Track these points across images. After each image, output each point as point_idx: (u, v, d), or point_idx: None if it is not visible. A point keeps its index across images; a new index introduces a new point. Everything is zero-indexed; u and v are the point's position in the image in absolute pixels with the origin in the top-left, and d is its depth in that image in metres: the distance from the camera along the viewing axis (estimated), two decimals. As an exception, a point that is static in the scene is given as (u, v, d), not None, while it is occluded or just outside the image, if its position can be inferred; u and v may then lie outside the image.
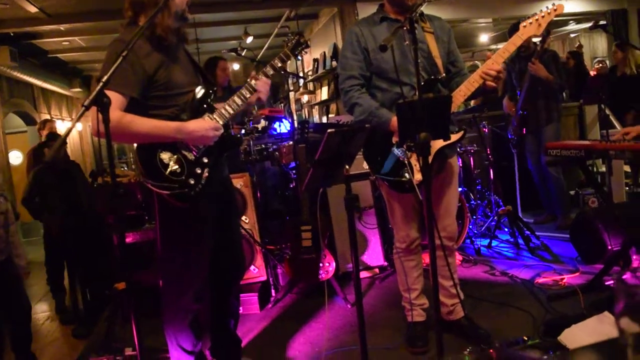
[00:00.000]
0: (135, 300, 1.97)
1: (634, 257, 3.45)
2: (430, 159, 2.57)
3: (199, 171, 2.29)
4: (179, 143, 2.28)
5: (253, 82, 2.45)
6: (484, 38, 11.41)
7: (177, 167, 2.25)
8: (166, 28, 2.24)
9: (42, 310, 5.04)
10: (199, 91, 2.37)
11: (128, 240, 3.88)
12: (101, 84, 1.72)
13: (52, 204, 4.47)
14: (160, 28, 2.22)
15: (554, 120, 5.12)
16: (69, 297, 4.98)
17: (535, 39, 4.99)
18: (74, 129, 11.13)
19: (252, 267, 3.99)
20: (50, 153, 1.86)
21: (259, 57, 10.63)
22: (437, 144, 2.60)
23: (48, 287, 5.04)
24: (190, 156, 2.30)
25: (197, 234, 2.41)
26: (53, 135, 5.23)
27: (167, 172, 2.24)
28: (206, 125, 2.29)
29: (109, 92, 2.06)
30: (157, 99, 2.28)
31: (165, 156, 2.25)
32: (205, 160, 2.33)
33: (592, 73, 8.12)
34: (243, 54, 6.52)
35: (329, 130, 1.83)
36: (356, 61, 2.74)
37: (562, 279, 3.66)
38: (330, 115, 8.18)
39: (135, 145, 2.32)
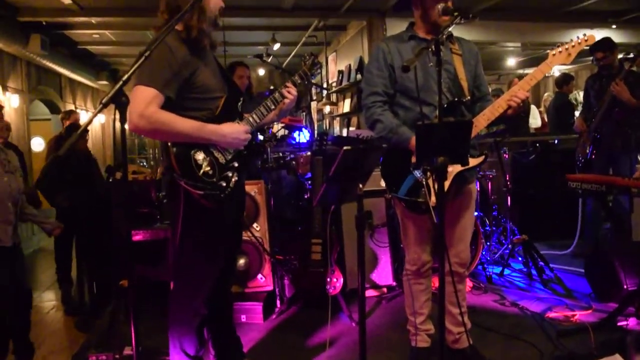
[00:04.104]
0: (137, 299, 1.96)
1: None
2: (448, 182, 2.54)
3: (229, 174, 2.34)
4: (212, 145, 2.32)
5: (277, 94, 2.49)
6: (511, 62, 11.31)
7: (209, 168, 2.29)
8: (202, 31, 2.29)
9: (48, 299, 5.06)
10: (230, 97, 2.41)
11: (138, 237, 3.87)
12: (121, 82, 1.71)
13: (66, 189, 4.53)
14: (196, 31, 2.26)
15: (631, 150, 4.72)
16: (76, 288, 4.99)
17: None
18: (97, 121, 11.22)
19: (259, 276, 3.96)
20: (64, 147, 1.85)
21: (284, 64, 10.67)
22: (457, 167, 2.55)
23: (57, 277, 5.06)
24: (222, 159, 2.34)
25: (218, 237, 2.43)
26: (75, 126, 5.24)
27: (200, 172, 2.27)
28: (239, 129, 2.36)
29: (147, 88, 2.14)
30: (191, 101, 2.31)
31: (199, 157, 2.29)
32: (236, 165, 2.38)
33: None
34: (269, 60, 6.52)
35: (344, 148, 1.79)
36: (381, 78, 2.71)
37: (574, 315, 3.55)
38: (351, 129, 8.14)
39: (169, 143, 2.27)
